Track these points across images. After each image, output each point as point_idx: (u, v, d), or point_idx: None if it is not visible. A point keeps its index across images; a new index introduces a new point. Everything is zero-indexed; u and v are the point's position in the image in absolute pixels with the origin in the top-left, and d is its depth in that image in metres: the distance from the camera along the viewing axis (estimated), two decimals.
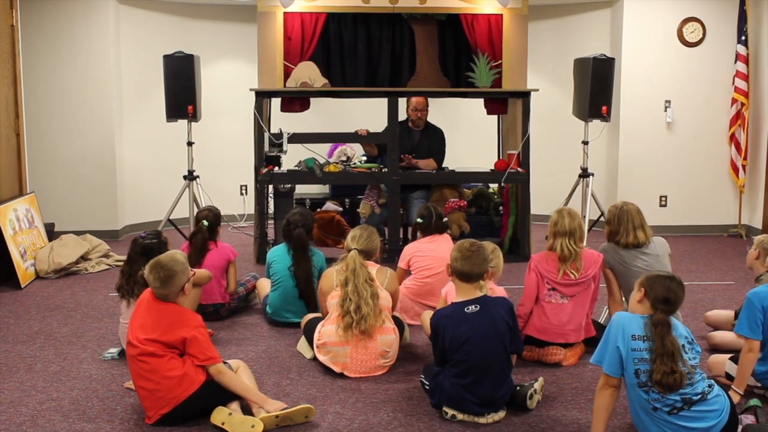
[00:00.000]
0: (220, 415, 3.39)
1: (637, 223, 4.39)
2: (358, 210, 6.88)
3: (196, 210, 7.20)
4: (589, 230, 7.32)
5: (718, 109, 8.16)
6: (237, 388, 3.47)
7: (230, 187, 8.99)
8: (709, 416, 3.02)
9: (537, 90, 6.90)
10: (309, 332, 4.31)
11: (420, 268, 4.98)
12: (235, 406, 3.47)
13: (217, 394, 3.44)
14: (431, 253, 4.96)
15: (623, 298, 4.46)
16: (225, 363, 3.54)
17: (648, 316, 3.06)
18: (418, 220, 5.16)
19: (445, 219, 5.24)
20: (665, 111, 8.20)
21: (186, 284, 3.51)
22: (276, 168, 6.72)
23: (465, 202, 6.82)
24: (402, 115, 6.84)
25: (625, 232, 4.38)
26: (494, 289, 4.11)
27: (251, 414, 3.43)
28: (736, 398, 3.56)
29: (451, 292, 3.85)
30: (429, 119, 7.11)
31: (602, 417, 3.11)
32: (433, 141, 7.00)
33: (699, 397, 3.01)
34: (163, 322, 3.43)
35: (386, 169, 6.64)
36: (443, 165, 7.06)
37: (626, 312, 3.17)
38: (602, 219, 7.50)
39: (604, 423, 3.12)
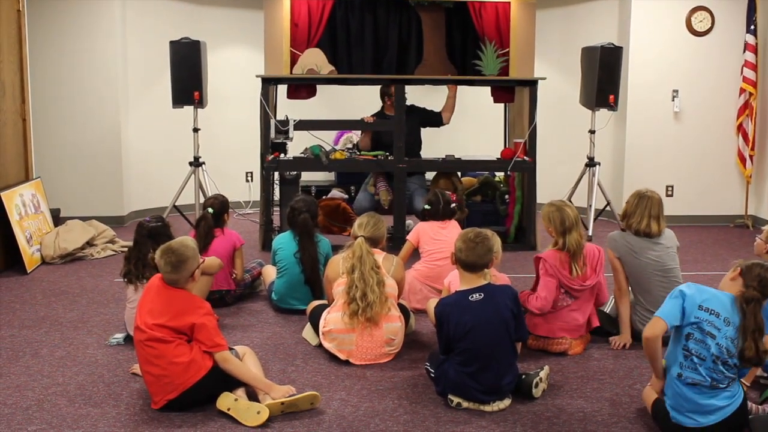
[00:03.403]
0: (225, 401, 3.40)
1: (654, 213, 4.30)
2: (376, 197, 6.83)
3: (201, 196, 7.22)
4: (595, 219, 7.31)
5: (726, 98, 8.12)
6: (243, 376, 3.47)
7: (236, 174, 8.99)
8: (721, 395, 3.08)
9: (544, 78, 6.87)
10: (314, 319, 4.31)
11: (431, 251, 5.02)
12: (240, 392, 3.48)
13: (223, 380, 3.44)
14: (443, 238, 5.00)
15: (629, 288, 4.43)
16: (231, 350, 3.55)
17: (737, 296, 3.11)
18: (426, 206, 5.20)
19: (453, 205, 5.25)
20: (673, 100, 8.16)
21: (196, 270, 3.51)
22: (282, 155, 6.71)
23: (455, 197, 6.72)
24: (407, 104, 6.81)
25: (639, 217, 4.30)
26: (497, 276, 4.10)
27: (257, 400, 3.44)
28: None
29: (455, 281, 3.84)
30: (434, 108, 7.10)
31: (659, 358, 3.23)
32: (413, 113, 6.96)
33: (725, 384, 3.07)
34: (172, 307, 3.43)
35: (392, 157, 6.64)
36: (451, 153, 7.02)
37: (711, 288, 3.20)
38: (608, 208, 7.51)
39: (661, 363, 3.26)
